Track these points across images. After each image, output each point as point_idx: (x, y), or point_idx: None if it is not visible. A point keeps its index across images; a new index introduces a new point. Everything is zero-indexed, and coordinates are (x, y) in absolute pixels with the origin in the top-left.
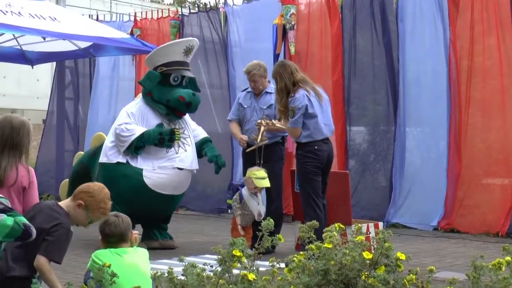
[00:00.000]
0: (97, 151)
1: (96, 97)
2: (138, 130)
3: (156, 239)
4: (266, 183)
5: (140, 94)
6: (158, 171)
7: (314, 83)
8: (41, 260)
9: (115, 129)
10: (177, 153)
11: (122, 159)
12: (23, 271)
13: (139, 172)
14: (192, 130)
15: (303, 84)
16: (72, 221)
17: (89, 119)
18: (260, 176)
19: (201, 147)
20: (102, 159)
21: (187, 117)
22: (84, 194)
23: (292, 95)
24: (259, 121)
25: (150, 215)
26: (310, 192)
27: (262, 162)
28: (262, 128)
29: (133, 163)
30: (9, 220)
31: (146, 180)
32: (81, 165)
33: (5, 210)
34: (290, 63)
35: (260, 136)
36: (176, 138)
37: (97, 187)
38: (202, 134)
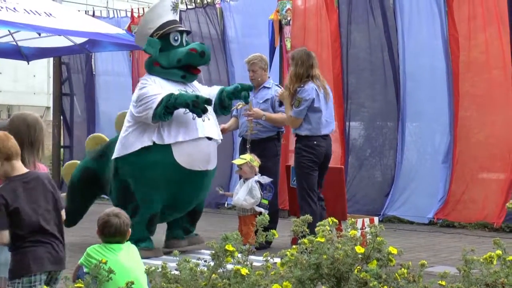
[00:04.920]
0: (103, 153)
1: (94, 93)
2: (165, 90)
3: (182, 238)
4: (237, 161)
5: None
6: (188, 144)
7: (324, 81)
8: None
9: (137, 97)
10: (203, 121)
11: (147, 142)
12: None
13: (168, 151)
14: (208, 95)
15: (315, 80)
16: None
17: (86, 115)
18: (241, 157)
19: (221, 96)
20: (121, 152)
21: (199, 86)
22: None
23: (302, 86)
24: (239, 106)
25: (185, 202)
26: (305, 186)
27: (250, 146)
28: (247, 116)
29: (159, 141)
30: None
31: (177, 157)
32: (86, 171)
33: None
34: (314, 56)
35: (250, 127)
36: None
37: (2, 134)
38: (216, 89)
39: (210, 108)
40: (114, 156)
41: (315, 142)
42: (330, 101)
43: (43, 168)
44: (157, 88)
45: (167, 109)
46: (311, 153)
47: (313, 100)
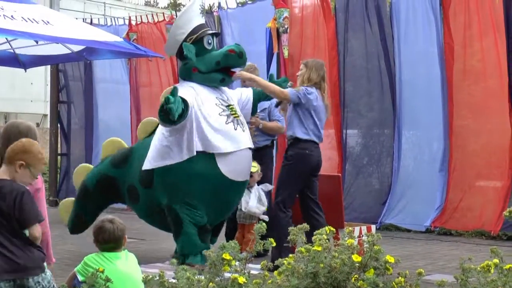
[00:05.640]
0: (124, 160)
1: (92, 101)
2: (200, 97)
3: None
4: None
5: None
6: (233, 155)
7: (328, 99)
8: (37, 229)
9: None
10: (243, 131)
11: (191, 152)
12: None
13: (212, 161)
14: (243, 102)
15: (322, 91)
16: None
17: (84, 122)
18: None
19: (258, 96)
20: (160, 162)
21: (229, 91)
22: (20, 154)
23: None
24: (252, 120)
25: (222, 213)
26: (285, 198)
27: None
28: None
29: (204, 150)
30: None
31: (221, 168)
32: (103, 178)
33: None
34: (325, 72)
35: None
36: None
37: (26, 142)
38: (247, 91)
39: (243, 118)
40: (149, 166)
41: (307, 151)
42: (326, 115)
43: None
44: (189, 91)
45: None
46: (302, 162)
47: (311, 101)
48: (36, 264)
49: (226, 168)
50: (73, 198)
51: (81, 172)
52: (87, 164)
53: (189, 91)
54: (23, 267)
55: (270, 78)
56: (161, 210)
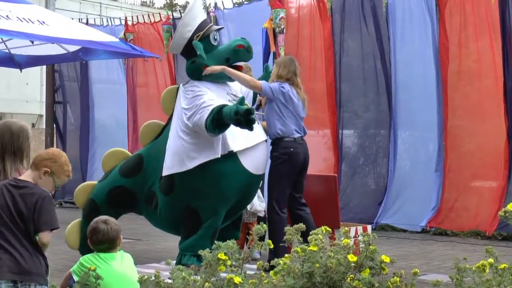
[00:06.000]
0: (136, 168)
1: (88, 101)
2: (216, 101)
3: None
4: None
5: (181, 86)
6: (252, 149)
7: (305, 95)
8: (48, 236)
9: (191, 106)
10: (258, 124)
11: (214, 154)
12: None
13: (235, 158)
14: (244, 95)
15: (297, 87)
16: None
17: (80, 123)
18: None
19: None
20: (181, 167)
21: (234, 85)
22: (47, 161)
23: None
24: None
25: (242, 207)
26: (277, 197)
27: None
28: None
29: (227, 150)
30: None
31: (244, 163)
32: (115, 191)
33: None
34: (298, 67)
35: None
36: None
37: (56, 151)
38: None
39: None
40: (170, 171)
41: (292, 149)
42: (304, 112)
43: None
44: (211, 95)
45: (213, 122)
46: (288, 161)
47: (283, 94)
48: (40, 273)
49: (248, 163)
50: (78, 220)
51: (85, 190)
52: (89, 182)
53: (210, 93)
54: (28, 271)
55: (266, 69)
56: (183, 216)
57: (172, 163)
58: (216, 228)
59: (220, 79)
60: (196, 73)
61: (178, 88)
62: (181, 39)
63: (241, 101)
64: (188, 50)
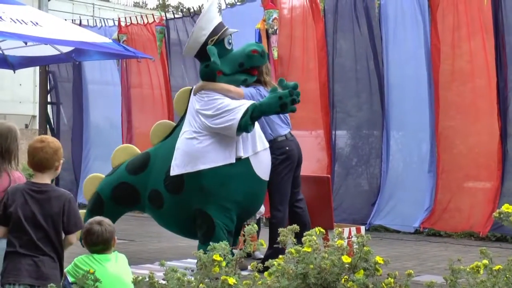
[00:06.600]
0: (143, 166)
1: (81, 102)
2: (233, 103)
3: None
4: None
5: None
6: (260, 154)
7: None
8: (75, 236)
9: (216, 109)
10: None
11: (231, 157)
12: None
13: (247, 163)
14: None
15: (264, 85)
16: None
17: (73, 123)
18: None
19: None
20: (194, 166)
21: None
22: (54, 156)
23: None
24: None
25: (251, 213)
26: (281, 198)
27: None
28: None
29: (243, 155)
30: None
31: (255, 169)
32: (121, 186)
33: None
34: (267, 65)
35: None
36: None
37: (52, 143)
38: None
39: None
40: (181, 171)
41: (287, 148)
42: None
43: (19, 177)
44: (228, 99)
45: (252, 119)
46: (286, 160)
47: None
48: (57, 279)
49: (258, 168)
50: (81, 211)
51: (92, 182)
52: (98, 174)
53: (226, 98)
54: (46, 276)
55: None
56: (189, 216)
57: (184, 163)
58: (229, 230)
59: (234, 83)
60: (210, 77)
61: (191, 90)
62: (195, 43)
63: (275, 88)
64: (202, 54)
